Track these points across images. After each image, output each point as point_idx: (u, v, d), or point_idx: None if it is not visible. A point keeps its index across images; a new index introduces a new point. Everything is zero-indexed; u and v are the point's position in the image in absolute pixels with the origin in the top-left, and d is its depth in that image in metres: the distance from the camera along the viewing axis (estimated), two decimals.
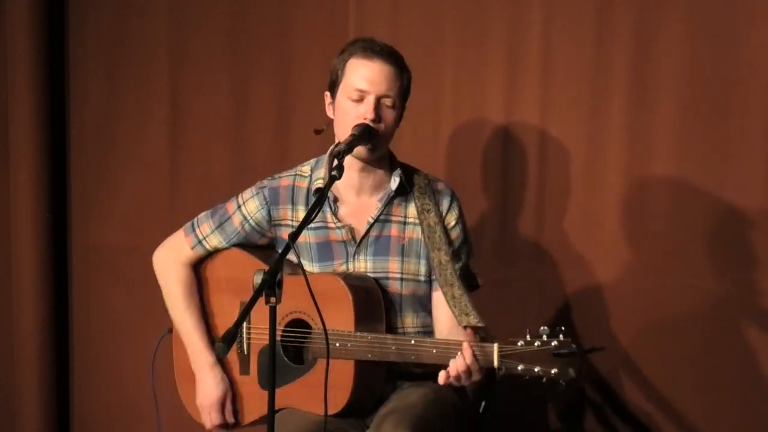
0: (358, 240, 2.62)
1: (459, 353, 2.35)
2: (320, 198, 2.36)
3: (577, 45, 3.16)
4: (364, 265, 2.62)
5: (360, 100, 2.53)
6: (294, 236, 2.28)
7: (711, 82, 3.03)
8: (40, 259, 3.88)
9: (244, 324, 2.64)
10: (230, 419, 2.71)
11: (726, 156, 3.03)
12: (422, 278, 2.62)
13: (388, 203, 2.63)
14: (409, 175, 2.66)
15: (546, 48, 3.19)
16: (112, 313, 3.92)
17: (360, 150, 2.53)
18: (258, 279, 2.16)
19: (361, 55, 2.55)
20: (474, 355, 2.33)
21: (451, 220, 2.64)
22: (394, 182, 2.62)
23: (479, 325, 2.43)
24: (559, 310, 3.24)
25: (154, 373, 2.83)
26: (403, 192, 2.64)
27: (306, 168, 2.70)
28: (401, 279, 2.61)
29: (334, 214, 2.63)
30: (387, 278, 2.61)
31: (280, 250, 2.62)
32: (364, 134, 2.50)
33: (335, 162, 2.38)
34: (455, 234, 2.64)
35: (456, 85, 3.31)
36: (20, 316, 3.91)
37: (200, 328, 2.72)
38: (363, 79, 2.53)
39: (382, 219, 2.63)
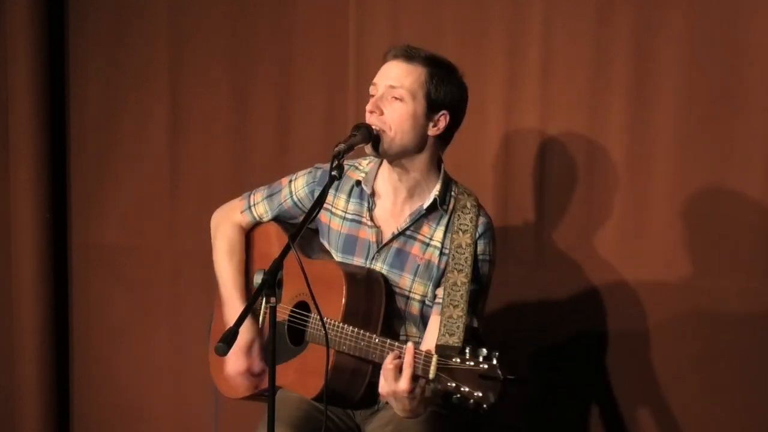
0: (380, 245, 2.62)
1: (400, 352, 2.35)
2: (320, 197, 2.38)
3: (577, 45, 3.16)
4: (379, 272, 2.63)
5: (374, 95, 2.55)
6: (294, 237, 2.30)
7: (711, 82, 3.03)
8: (40, 259, 3.88)
9: (263, 299, 2.66)
10: (256, 368, 2.69)
11: (726, 156, 3.03)
12: (428, 301, 2.60)
13: (418, 220, 2.61)
14: (455, 195, 2.62)
15: (546, 48, 3.19)
16: (112, 313, 3.92)
17: (366, 149, 2.54)
18: (258, 279, 2.17)
19: (388, 58, 2.56)
20: (413, 358, 2.30)
21: (479, 250, 2.57)
22: (428, 201, 2.59)
23: (455, 345, 2.38)
24: (559, 311, 3.24)
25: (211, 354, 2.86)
26: (437, 212, 2.61)
27: (365, 161, 2.70)
28: (408, 297, 2.60)
29: (370, 210, 2.64)
30: (395, 292, 2.60)
31: (320, 234, 2.72)
32: (364, 135, 2.50)
33: (335, 162, 2.39)
34: (477, 266, 2.57)
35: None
36: (20, 316, 3.92)
37: (236, 281, 2.78)
38: (378, 74, 2.56)
39: (408, 234, 2.61)
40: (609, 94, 3.13)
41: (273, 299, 2.18)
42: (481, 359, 2.19)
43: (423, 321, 2.61)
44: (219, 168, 3.70)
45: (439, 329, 2.43)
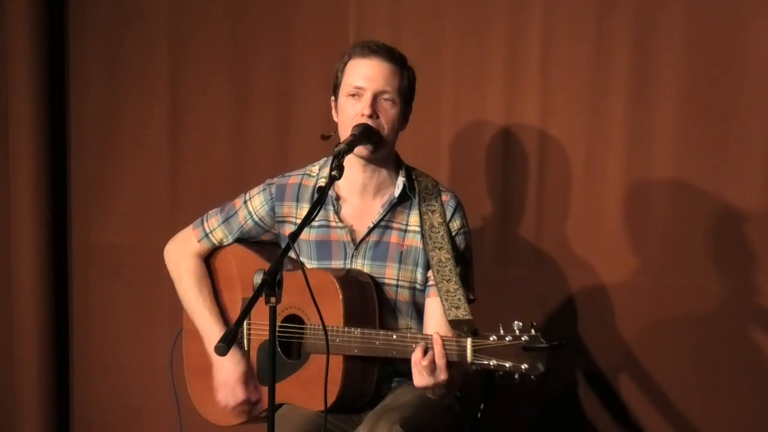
0: (357, 242, 2.63)
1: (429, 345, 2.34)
2: (321, 197, 2.38)
3: (577, 45, 3.16)
4: (360, 268, 2.62)
5: (358, 97, 2.54)
6: (294, 236, 2.31)
7: (711, 82, 3.03)
8: (40, 259, 3.88)
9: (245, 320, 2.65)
10: (254, 396, 2.67)
11: (726, 156, 3.03)
12: (418, 286, 2.61)
13: (390, 209, 2.63)
14: (415, 178, 2.66)
15: (546, 48, 3.19)
16: (113, 312, 3.92)
17: (361, 149, 2.54)
18: (258, 279, 2.17)
19: (359, 55, 2.56)
20: (443, 348, 2.32)
21: (455, 227, 2.63)
22: (398, 189, 2.62)
23: (467, 318, 2.40)
24: (560, 311, 3.24)
25: (172, 373, 2.86)
26: (407, 198, 2.63)
27: (315, 168, 2.72)
28: (397, 285, 2.61)
29: (337, 213, 2.64)
30: (383, 284, 2.61)
31: (282, 247, 2.66)
32: (364, 134, 2.50)
33: (335, 162, 2.39)
34: (458, 241, 2.63)
35: (456, 85, 3.31)
36: (20, 316, 3.91)
37: (214, 313, 2.74)
38: (360, 76, 2.55)
39: (383, 225, 2.63)
40: (609, 95, 3.13)
41: (273, 299, 2.17)
42: (518, 332, 2.20)
43: (416, 308, 2.62)
44: (219, 168, 3.70)
45: (443, 305, 2.46)
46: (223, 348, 2.07)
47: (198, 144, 3.74)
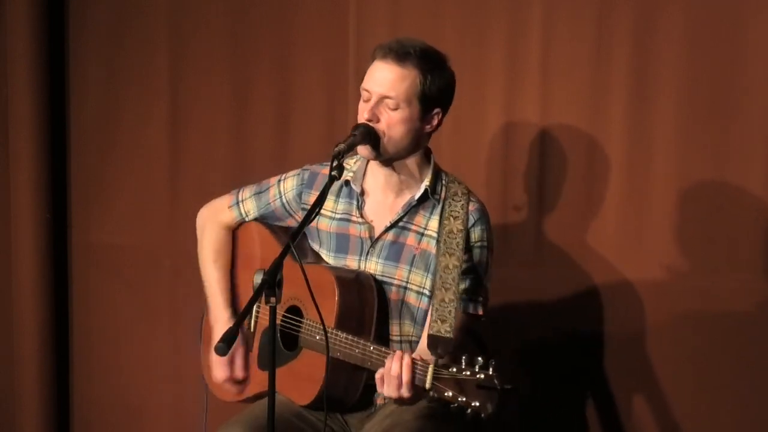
0: (374, 239, 2.62)
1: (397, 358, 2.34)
2: (320, 198, 2.39)
3: (577, 45, 3.16)
4: (374, 266, 2.61)
5: (367, 100, 2.53)
6: (294, 236, 2.32)
7: (711, 81, 3.03)
8: (40, 259, 3.88)
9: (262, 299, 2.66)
10: (239, 374, 2.72)
11: (725, 154, 3.04)
12: (426, 292, 2.59)
13: (410, 210, 2.61)
14: (445, 183, 2.62)
15: (546, 48, 3.19)
16: (113, 312, 3.92)
17: (362, 151, 2.53)
18: (258, 279, 2.17)
19: (377, 56, 2.54)
20: (411, 370, 2.30)
21: (474, 237, 2.58)
22: (420, 191, 2.60)
23: (447, 336, 2.37)
24: (559, 311, 3.24)
25: (203, 353, 2.87)
26: (430, 202, 2.61)
27: (352, 161, 2.68)
28: (405, 288, 2.60)
29: (359, 208, 2.64)
30: (392, 284, 2.60)
31: (310, 237, 2.71)
32: (363, 135, 2.50)
33: (335, 162, 2.39)
34: (475, 253, 2.58)
35: (456, 85, 3.30)
36: (20, 316, 3.91)
37: (222, 285, 2.78)
38: (369, 78, 2.54)
39: (401, 225, 2.61)
40: (609, 94, 3.14)
41: (273, 299, 2.18)
42: (477, 368, 2.18)
43: (421, 315, 2.60)
44: (219, 168, 3.70)
45: (431, 314, 2.43)
46: (222, 348, 2.08)
47: (198, 144, 3.74)
